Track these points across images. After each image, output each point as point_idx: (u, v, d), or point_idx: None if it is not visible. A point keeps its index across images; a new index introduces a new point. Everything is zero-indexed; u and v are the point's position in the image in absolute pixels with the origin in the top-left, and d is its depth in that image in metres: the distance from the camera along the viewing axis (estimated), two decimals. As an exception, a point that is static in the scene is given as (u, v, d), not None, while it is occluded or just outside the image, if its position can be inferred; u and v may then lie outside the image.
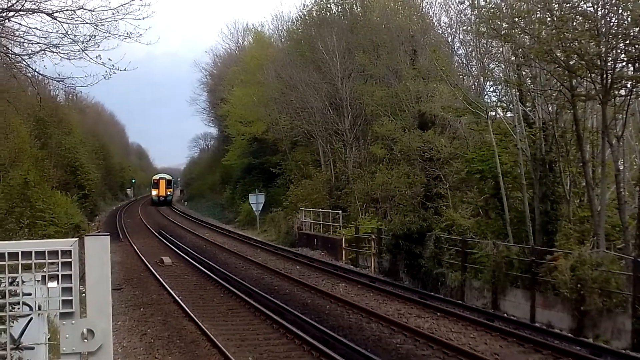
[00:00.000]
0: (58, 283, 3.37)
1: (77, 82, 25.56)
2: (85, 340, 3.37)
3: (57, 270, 3.37)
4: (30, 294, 3.58)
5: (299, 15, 65.41)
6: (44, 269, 3.43)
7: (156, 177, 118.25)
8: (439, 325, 20.83)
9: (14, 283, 3.50)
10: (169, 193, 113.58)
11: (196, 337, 19.54)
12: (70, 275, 3.38)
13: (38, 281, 3.63)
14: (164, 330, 20.55)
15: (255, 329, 20.51)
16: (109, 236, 3.53)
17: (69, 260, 3.37)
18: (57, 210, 37.53)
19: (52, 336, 4.81)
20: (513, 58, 27.97)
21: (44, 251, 3.39)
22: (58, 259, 3.38)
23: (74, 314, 3.40)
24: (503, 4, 24.69)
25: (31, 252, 3.38)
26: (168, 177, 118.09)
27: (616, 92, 21.75)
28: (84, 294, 3.49)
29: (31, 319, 4.17)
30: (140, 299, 25.91)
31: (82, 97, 79.41)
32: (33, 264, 3.41)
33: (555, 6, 21.83)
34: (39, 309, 3.58)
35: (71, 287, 3.38)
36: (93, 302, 3.38)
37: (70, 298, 3.40)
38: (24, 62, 24.91)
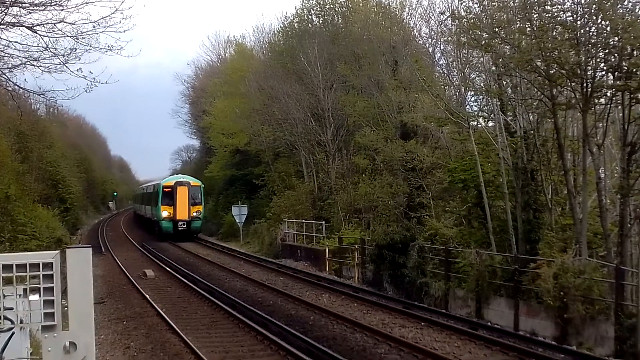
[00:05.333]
0: (40, 296, 3.35)
1: (58, 96, 25.57)
2: (68, 354, 3.35)
3: (39, 283, 3.35)
4: (11, 308, 3.55)
5: (280, 26, 65.60)
6: (26, 282, 3.41)
7: (170, 180, 65.67)
8: (423, 334, 20.83)
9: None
10: (195, 214, 61.92)
11: (180, 349, 19.43)
12: (52, 288, 3.37)
13: (20, 294, 3.60)
14: (147, 343, 20.41)
15: (239, 341, 20.42)
16: (90, 248, 3.51)
17: (51, 272, 3.36)
18: (38, 224, 37.29)
19: (34, 350, 4.78)
20: (494, 68, 28.13)
21: (25, 264, 3.37)
22: (39, 271, 3.36)
23: (56, 327, 3.38)
24: (483, 15, 24.81)
25: (12, 265, 3.35)
26: (194, 181, 64.59)
27: (596, 101, 21.89)
28: (66, 307, 3.47)
29: (13, 332, 4.14)
30: (123, 312, 25.75)
31: (64, 111, 79.38)
32: (14, 277, 3.39)
33: (535, 16, 21.99)
34: (21, 322, 3.55)
35: (53, 300, 3.36)
36: (75, 315, 3.36)
37: (52, 311, 3.38)
38: (4, 76, 24.83)
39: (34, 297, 3.42)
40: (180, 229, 60.38)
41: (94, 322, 3.40)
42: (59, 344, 3.38)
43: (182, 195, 61.05)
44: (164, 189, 61.92)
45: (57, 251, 3.40)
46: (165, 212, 61.00)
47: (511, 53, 23.61)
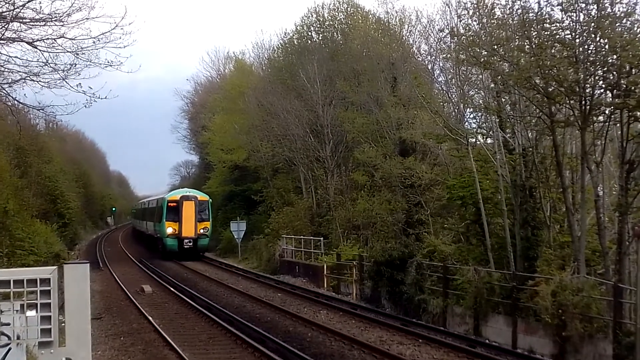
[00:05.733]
0: (37, 312, 3.34)
1: (57, 111, 25.48)
2: (65, 370, 3.34)
3: (36, 299, 3.34)
4: (8, 324, 3.53)
5: (280, 43, 65.90)
6: (23, 298, 3.40)
7: (175, 194, 61.33)
8: (421, 352, 20.77)
9: (-8, 312, 3.48)
10: (202, 231, 57.58)
11: (177, 366, 19.38)
12: (49, 303, 3.36)
13: (17, 310, 3.58)
14: (144, 360, 20.36)
15: (236, 357, 20.36)
16: (88, 264, 3.51)
17: (48, 288, 3.35)
18: (36, 239, 37.20)
19: (30, 366, 4.76)
20: (492, 85, 28.19)
21: (23, 280, 3.37)
22: (37, 287, 3.35)
23: (53, 343, 3.38)
24: (482, 32, 24.89)
25: (9, 281, 3.35)
26: (201, 195, 60.32)
27: (595, 118, 21.93)
28: (63, 323, 3.46)
29: (10, 349, 4.13)
30: (121, 328, 25.67)
31: (63, 126, 79.35)
32: (11, 293, 3.38)
33: (534, 34, 22.05)
34: (18, 338, 3.54)
35: (50, 316, 3.36)
36: (72, 331, 3.36)
37: (49, 327, 3.38)
38: (4, 91, 24.85)
39: (31, 313, 3.42)
40: (186, 247, 56.44)
41: (91, 338, 3.39)
42: (55, 360, 3.37)
43: (188, 210, 56.72)
44: (169, 204, 57.56)
45: (54, 267, 3.40)
46: (170, 229, 56.82)
47: (510, 70, 23.66)
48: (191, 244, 56.63)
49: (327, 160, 50.25)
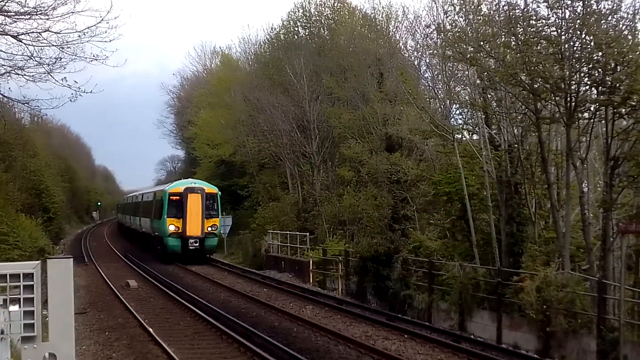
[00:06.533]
0: (20, 306, 3.32)
1: (42, 105, 25.42)
2: (48, 365, 3.32)
3: (19, 294, 3.32)
4: (-9, 318, 3.52)
5: (266, 38, 65.76)
6: (6, 293, 3.39)
7: (177, 186, 52.32)
8: (407, 347, 20.82)
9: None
10: (210, 229, 49.67)
11: (162, 361, 19.35)
12: (32, 298, 3.34)
13: (0, 305, 3.57)
14: (129, 355, 20.30)
15: (222, 353, 20.35)
16: (72, 259, 3.50)
17: (31, 283, 3.33)
18: (21, 234, 37.08)
19: (15, 361, 4.74)
20: (479, 81, 28.27)
21: (5, 274, 3.34)
22: (20, 282, 3.33)
23: (36, 338, 3.35)
24: (468, 28, 24.94)
25: (-8, 275, 3.33)
26: (208, 187, 51.95)
27: (580, 115, 22.01)
28: (47, 318, 3.45)
29: (-7, 343, 4.10)
30: (106, 323, 25.61)
31: (48, 120, 78.87)
32: (-6, 287, 3.37)
33: (520, 30, 22.09)
34: (1, 333, 3.52)
35: (33, 311, 3.34)
36: (56, 326, 3.34)
37: (32, 322, 3.36)
38: (-12, 85, 24.75)
39: (14, 308, 3.40)
40: (191, 247, 48.40)
41: (75, 332, 3.37)
42: (39, 355, 3.35)
43: (194, 204, 48.46)
44: (171, 197, 49.31)
45: (38, 262, 3.38)
46: (172, 227, 48.53)
47: (496, 67, 23.72)
48: (197, 244, 48.60)
49: (313, 156, 50.25)
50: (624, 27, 20.72)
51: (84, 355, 19.81)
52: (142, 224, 61.65)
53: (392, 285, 28.19)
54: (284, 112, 50.82)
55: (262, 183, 59.32)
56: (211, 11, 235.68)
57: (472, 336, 22.93)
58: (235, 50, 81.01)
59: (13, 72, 23.48)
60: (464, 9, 25.39)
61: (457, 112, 33.90)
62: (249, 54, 72.05)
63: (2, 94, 25.92)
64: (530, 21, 21.70)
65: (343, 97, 47.96)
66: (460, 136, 31.62)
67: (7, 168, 47.80)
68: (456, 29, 25.07)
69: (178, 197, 49.05)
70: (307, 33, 59.32)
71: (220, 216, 51.35)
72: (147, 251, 56.93)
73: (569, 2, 20.72)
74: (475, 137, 31.00)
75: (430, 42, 33.61)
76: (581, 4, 20.60)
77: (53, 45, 23.05)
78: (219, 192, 52.02)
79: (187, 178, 60.22)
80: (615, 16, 20.57)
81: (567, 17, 20.84)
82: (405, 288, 27.52)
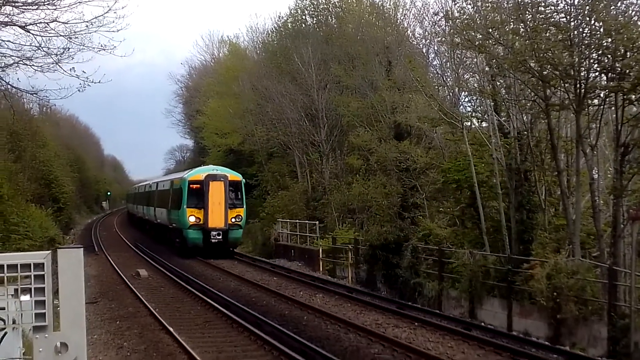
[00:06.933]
0: (31, 296, 3.33)
1: (51, 95, 25.53)
2: (59, 354, 3.33)
3: (30, 284, 3.33)
4: (3, 308, 3.53)
5: (274, 27, 65.68)
6: (17, 283, 3.39)
7: (198, 173, 47.35)
8: (417, 335, 20.81)
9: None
10: (234, 220, 45.13)
11: (173, 349, 19.37)
12: (43, 288, 3.34)
13: (11, 295, 3.58)
14: (140, 343, 20.35)
15: (232, 341, 20.38)
16: (82, 249, 3.50)
17: (42, 273, 3.34)
18: (31, 224, 37.22)
19: (27, 350, 4.74)
20: (487, 68, 28.18)
21: (17, 264, 3.35)
22: (31, 272, 3.34)
23: (47, 328, 3.36)
24: (477, 15, 24.84)
25: (3, 266, 3.33)
26: (232, 174, 47.23)
27: (590, 102, 21.95)
28: (58, 308, 3.45)
29: (5, 333, 4.11)
30: (117, 312, 25.68)
31: (57, 110, 79.10)
32: (5, 277, 3.37)
33: (529, 17, 22.01)
34: (13, 322, 3.53)
35: (44, 300, 3.34)
36: (67, 315, 3.34)
37: (43, 311, 3.36)
38: (-4, 76, 24.82)
39: (25, 298, 3.40)
40: (213, 240, 44.25)
41: (86, 322, 3.38)
42: (50, 344, 3.36)
43: (216, 193, 44.33)
44: (190, 185, 45.23)
45: (48, 251, 3.38)
46: (192, 218, 44.51)
47: (505, 54, 23.65)
48: (220, 237, 44.48)
49: (322, 144, 50.23)
50: (634, 12, 20.64)
51: (95, 344, 19.88)
52: (158, 215, 57.20)
53: (402, 274, 28.16)
54: (292, 100, 50.78)
55: (271, 172, 59.33)
56: (218, 0, 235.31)
57: (482, 324, 22.91)
58: (242, 39, 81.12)
59: (21, 62, 23.57)
60: (472, -4, 25.27)
61: (466, 99, 33.85)
62: (257, 42, 72.05)
63: (10, 85, 26.00)
64: (539, 7, 21.62)
65: (351, 85, 47.91)
66: (469, 124, 31.57)
67: (16, 158, 47.98)
68: (464, 16, 24.97)
69: (199, 186, 44.96)
70: (314, 21, 59.19)
71: (244, 206, 46.77)
72: (162, 244, 53.70)
73: (578, -12, 20.63)
74: (484, 124, 30.93)
75: (438, 29, 33.51)
76: (590, -10, 20.50)
77: (61, 36, 23.12)
78: (244, 180, 48.07)
79: (198, 167, 57.25)
80: (624, 2, 20.49)
81: (576, 3, 20.75)
82: (415, 276, 27.50)
